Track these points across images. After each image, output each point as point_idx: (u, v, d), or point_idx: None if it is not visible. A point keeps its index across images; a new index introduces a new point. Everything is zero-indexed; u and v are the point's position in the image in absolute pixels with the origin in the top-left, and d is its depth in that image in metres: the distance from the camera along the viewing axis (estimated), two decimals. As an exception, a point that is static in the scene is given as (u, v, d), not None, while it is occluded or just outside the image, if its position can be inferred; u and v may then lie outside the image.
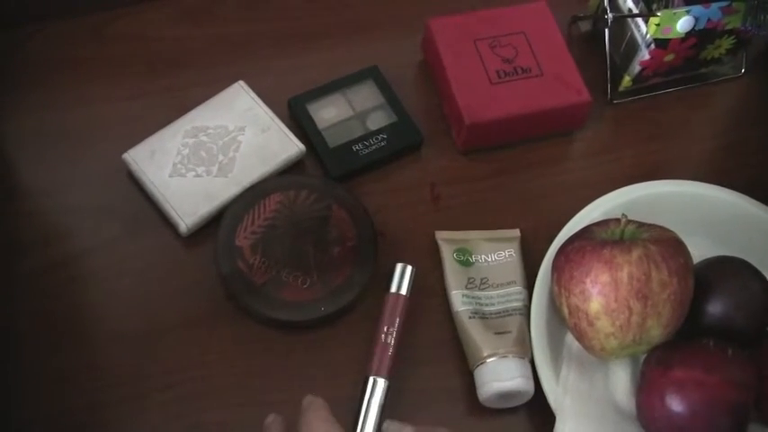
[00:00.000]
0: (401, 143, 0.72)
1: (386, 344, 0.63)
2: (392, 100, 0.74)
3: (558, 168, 0.75)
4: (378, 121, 0.73)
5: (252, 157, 0.70)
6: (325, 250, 0.66)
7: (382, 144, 0.72)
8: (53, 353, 0.64)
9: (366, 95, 0.74)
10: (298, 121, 0.73)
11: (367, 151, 0.71)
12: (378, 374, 0.62)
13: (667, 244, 0.59)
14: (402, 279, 0.65)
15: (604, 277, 0.58)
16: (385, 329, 0.64)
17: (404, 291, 0.65)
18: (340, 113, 0.73)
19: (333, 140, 0.72)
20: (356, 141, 0.72)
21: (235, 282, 0.65)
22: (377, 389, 0.62)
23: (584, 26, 0.81)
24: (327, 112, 0.73)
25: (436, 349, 0.65)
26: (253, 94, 0.73)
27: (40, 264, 0.67)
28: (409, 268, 0.66)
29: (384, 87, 0.74)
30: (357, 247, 0.66)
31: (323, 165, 0.71)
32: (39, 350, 0.64)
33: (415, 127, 0.73)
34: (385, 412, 0.61)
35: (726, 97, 0.80)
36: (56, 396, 0.62)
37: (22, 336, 0.64)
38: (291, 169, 0.71)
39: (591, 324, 0.59)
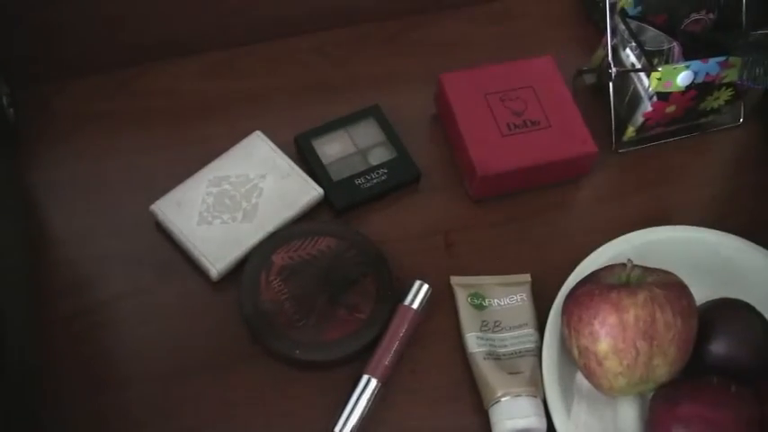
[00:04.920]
0: (400, 177, 0.75)
1: (387, 350, 0.66)
2: (392, 137, 0.77)
3: (565, 214, 0.77)
4: (379, 156, 0.76)
5: (274, 202, 0.72)
6: (335, 309, 0.68)
7: (383, 178, 0.75)
8: (84, 395, 0.65)
9: (368, 132, 0.78)
10: (304, 156, 0.76)
11: (368, 185, 0.74)
12: (372, 375, 0.65)
13: (671, 287, 0.61)
14: (416, 295, 0.69)
15: (612, 319, 0.59)
16: (390, 337, 0.67)
17: (415, 305, 0.68)
18: (344, 149, 0.77)
19: (336, 174, 0.75)
20: (358, 175, 0.75)
21: (257, 323, 0.66)
22: (368, 388, 0.64)
23: (589, 79, 0.82)
24: (331, 148, 0.76)
25: (452, 389, 0.67)
26: (270, 143, 0.75)
27: (72, 310, 0.68)
28: (425, 287, 0.69)
29: (384, 125, 0.77)
30: (367, 319, 0.68)
31: (327, 197, 0.74)
32: (70, 392, 0.65)
33: (412, 163, 0.76)
34: (370, 411, 0.64)
35: (725, 145, 0.82)
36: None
37: (54, 379, 0.66)
38: (309, 213, 0.74)
39: (600, 364, 0.61)
